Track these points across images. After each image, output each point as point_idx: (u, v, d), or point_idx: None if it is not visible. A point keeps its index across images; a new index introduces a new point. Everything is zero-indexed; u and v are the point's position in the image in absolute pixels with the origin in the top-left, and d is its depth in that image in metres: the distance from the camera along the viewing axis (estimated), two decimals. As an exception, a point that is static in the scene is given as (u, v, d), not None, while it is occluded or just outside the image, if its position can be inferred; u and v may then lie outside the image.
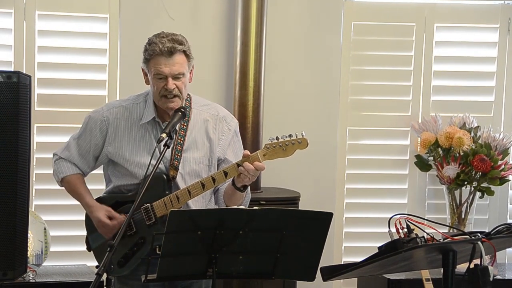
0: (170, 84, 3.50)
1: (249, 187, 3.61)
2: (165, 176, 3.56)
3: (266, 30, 4.95)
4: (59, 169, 3.75)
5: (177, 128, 3.59)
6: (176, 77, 3.51)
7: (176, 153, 3.58)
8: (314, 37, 5.24)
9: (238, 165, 3.45)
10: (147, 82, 3.63)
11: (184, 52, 3.53)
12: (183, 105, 3.61)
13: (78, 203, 3.87)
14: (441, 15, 5.34)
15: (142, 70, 3.63)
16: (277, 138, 3.44)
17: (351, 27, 5.27)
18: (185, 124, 3.62)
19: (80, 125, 4.86)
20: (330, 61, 5.26)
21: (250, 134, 4.84)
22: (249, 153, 3.46)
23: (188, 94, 3.67)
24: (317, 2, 5.23)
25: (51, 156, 4.89)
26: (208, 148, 3.65)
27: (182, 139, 3.60)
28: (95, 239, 3.69)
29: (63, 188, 3.81)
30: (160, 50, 3.48)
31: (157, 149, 3.43)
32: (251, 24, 4.90)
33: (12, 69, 4.68)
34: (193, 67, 3.62)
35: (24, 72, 4.40)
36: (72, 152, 3.74)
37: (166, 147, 3.37)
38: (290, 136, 3.44)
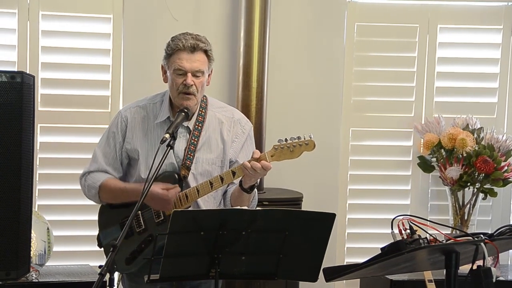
0: (189, 79, 3.53)
1: (256, 191, 3.63)
2: (176, 176, 3.59)
3: (269, 31, 4.96)
4: (93, 179, 3.71)
5: (191, 128, 3.63)
6: (195, 74, 3.54)
7: (189, 152, 3.61)
8: (317, 38, 5.24)
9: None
10: (165, 80, 3.65)
11: (206, 52, 3.58)
12: (199, 106, 3.65)
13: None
14: (444, 17, 5.34)
15: (162, 67, 3.65)
16: (285, 140, 3.46)
17: (354, 28, 5.27)
18: (200, 124, 3.64)
19: (83, 125, 4.92)
20: (333, 62, 5.26)
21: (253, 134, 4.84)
22: (259, 153, 3.47)
23: (204, 96, 3.70)
24: (320, 3, 5.23)
25: (55, 156, 4.92)
26: (221, 150, 3.67)
27: (196, 139, 3.63)
28: (106, 235, 3.71)
29: (103, 200, 3.73)
30: (183, 45, 3.52)
31: (168, 150, 3.40)
32: (254, 25, 4.91)
33: (16, 69, 4.69)
34: (211, 71, 3.65)
35: (28, 72, 4.43)
36: (100, 162, 3.71)
37: (169, 148, 3.37)
38: (298, 138, 3.45)
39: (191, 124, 3.64)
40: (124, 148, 3.70)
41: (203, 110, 3.68)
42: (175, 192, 3.53)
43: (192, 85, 3.54)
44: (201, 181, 3.58)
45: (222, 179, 3.51)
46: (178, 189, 3.55)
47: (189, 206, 3.56)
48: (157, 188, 3.51)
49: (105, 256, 3.76)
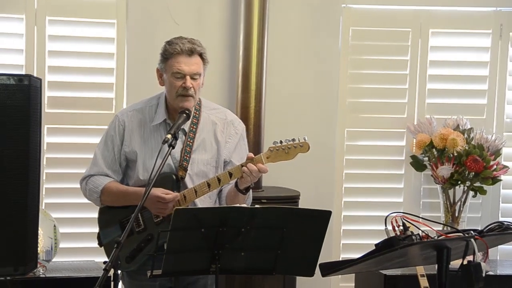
0: (189, 82, 3.58)
1: (251, 191, 3.68)
2: (174, 176, 3.63)
3: (267, 35, 4.99)
4: (95, 184, 3.75)
5: (186, 130, 3.67)
6: (193, 77, 3.60)
7: (185, 154, 3.65)
8: (313, 42, 5.27)
9: (242, 166, 3.53)
10: (161, 83, 3.69)
11: (201, 55, 3.63)
12: (194, 108, 3.69)
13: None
14: (436, 21, 5.36)
15: (157, 71, 3.69)
16: (280, 142, 3.52)
17: (349, 32, 5.30)
18: (194, 126, 3.69)
19: (88, 126, 4.93)
20: (329, 65, 5.28)
21: (252, 135, 4.86)
22: (253, 156, 3.53)
23: (199, 98, 3.74)
24: (317, 8, 5.25)
25: (61, 156, 4.92)
26: (215, 150, 3.72)
27: (191, 141, 3.67)
28: (107, 235, 3.76)
29: (104, 203, 3.76)
30: (181, 49, 3.57)
31: (170, 150, 3.44)
32: (253, 30, 4.94)
33: (23, 73, 4.72)
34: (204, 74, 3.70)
35: (35, 75, 4.44)
36: (100, 165, 3.75)
37: (171, 148, 3.42)
38: (293, 140, 3.51)
39: (186, 126, 3.67)
40: (122, 151, 3.74)
41: (197, 112, 3.72)
42: (172, 197, 3.55)
43: (191, 87, 3.59)
44: (197, 181, 3.63)
45: (219, 180, 3.57)
46: (176, 195, 3.57)
47: (187, 206, 3.59)
48: (158, 191, 3.54)
49: (106, 254, 3.79)
